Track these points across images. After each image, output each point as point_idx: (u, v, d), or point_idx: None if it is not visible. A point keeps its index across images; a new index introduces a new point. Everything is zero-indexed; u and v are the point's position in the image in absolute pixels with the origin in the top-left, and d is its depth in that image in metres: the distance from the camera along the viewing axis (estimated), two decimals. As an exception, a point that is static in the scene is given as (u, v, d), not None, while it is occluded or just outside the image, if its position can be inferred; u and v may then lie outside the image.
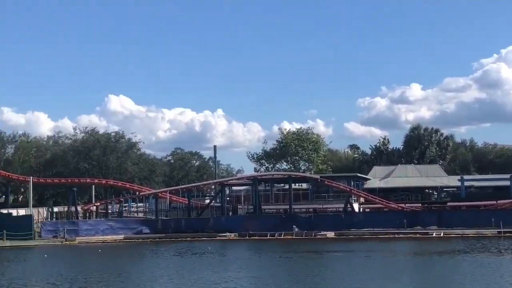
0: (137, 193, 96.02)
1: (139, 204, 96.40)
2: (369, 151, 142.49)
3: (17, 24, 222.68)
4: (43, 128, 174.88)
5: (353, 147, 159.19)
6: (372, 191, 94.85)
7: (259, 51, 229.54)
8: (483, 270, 43.55)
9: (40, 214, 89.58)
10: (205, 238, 79.43)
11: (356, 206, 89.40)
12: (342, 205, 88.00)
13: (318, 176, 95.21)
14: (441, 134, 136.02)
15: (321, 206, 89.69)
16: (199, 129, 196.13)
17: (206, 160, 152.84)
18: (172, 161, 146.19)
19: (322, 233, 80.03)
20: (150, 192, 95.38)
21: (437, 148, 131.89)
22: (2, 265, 54.23)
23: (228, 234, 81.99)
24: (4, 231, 75.36)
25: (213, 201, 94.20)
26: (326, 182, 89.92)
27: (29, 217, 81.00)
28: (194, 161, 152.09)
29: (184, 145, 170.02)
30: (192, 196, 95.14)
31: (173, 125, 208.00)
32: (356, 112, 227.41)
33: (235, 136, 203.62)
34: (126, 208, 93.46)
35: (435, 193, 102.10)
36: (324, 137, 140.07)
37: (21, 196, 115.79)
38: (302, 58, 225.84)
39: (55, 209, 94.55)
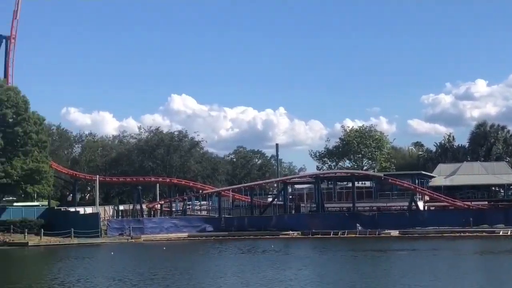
0: (200, 191, 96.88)
1: (202, 202, 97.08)
2: (433, 149, 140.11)
3: (83, 25, 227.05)
4: (109, 128, 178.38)
5: (417, 144, 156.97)
6: (437, 189, 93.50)
7: (321, 48, 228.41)
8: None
9: (106, 212, 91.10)
10: (268, 236, 79.62)
11: (420, 205, 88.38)
12: (406, 204, 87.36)
13: (381, 174, 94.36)
14: (508, 131, 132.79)
15: (385, 205, 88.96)
16: (261, 127, 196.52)
17: (268, 158, 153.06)
18: (234, 159, 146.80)
19: (386, 231, 79.38)
20: (213, 190, 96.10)
21: (504, 145, 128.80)
22: (70, 263, 55.35)
23: (291, 232, 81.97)
24: (72, 229, 76.93)
25: (275, 200, 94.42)
26: (389, 180, 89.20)
27: (95, 215, 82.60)
28: (256, 160, 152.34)
29: (246, 143, 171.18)
30: (255, 194, 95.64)
31: (235, 123, 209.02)
32: (420, 109, 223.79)
33: (297, 134, 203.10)
34: (190, 206, 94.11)
35: (502, 191, 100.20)
36: (387, 134, 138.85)
37: (88, 195, 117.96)
38: (365, 54, 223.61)
39: (121, 207, 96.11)
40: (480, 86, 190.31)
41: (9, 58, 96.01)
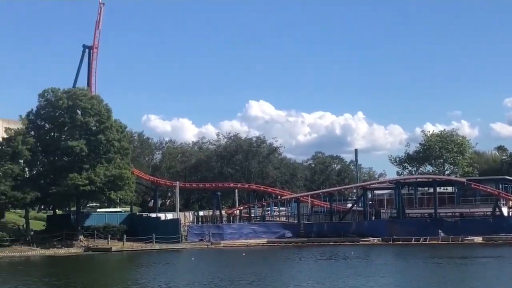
0: (279, 197, 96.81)
1: (281, 208, 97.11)
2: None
3: (163, 34, 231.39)
4: (188, 134, 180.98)
5: (501, 148, 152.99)
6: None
7: (399, 50, 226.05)
8: None
9: (186, 218, 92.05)
10: (347, 243, 79.04)
11: (505, 210, 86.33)
12: (490, 209, 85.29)
13: (464, 179, 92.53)
14: None
15: (467, 210, 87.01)
16: (339, 132, 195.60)
17: (347, 163, 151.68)
18: (313, 165, 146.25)
19: (469, 238, 77.96)
20: (291, 196, 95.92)
21: None
22: (153, 268, 56.17)
23: (371, 238, 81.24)
24: (153, 234, 78.16)
25: (355, 205, 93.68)
26: (472, 186, 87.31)
27: (176, 221, 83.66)
28: (335, 165, 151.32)
29: (325, 148, 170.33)
30: (334, 200, 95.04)
31: (313, 129, 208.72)
32: (503, 112, 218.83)
33: (376, 139, 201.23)
34: (269, 212, 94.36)
35: None
36: (470, 138, 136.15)
37: (168, 201, 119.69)
38: (445, 56, 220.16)
39: (200, 213, 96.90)
40: None
41: (92, 67, 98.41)
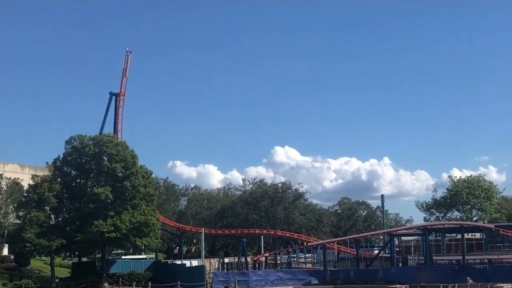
0: (305, 243, 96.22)
1: (307, 255, 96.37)
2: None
3: (188, 82, 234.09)
4: (213, 180, 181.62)
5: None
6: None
7: (424, 95, 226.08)
8: None
9: (211, 264, 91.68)
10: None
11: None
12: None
13: (492, 225, 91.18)
14: None
15: (496, 257, 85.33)
16: (365, 178, 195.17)
17: (374, 209, 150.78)
18: (339, 210, 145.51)
19: (498, 285, 76.16)
20: (317, 242, 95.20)
21: None
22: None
23: (398, 285, 79.63)
24: (178, 281, 77.54)
25: (382, 252, 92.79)
26: (501, 232, 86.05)
27: (201, 268, 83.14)
28: (361, 211, 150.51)
29: (351, 194, 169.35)
30: (361, 246, 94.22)
31: (339, 174, 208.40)
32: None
33: (403, 185, 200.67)
34: (294, 258, 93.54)
35: None
36: (497, 184, 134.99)
37: (194, 247, 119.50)
38: (471, 100, 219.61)
39: (226, 260, 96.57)
40: None
41: (119, 114, 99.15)
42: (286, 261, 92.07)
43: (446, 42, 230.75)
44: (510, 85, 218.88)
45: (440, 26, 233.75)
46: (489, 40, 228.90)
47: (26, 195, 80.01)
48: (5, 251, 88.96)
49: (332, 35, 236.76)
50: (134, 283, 78.41)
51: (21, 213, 79.09)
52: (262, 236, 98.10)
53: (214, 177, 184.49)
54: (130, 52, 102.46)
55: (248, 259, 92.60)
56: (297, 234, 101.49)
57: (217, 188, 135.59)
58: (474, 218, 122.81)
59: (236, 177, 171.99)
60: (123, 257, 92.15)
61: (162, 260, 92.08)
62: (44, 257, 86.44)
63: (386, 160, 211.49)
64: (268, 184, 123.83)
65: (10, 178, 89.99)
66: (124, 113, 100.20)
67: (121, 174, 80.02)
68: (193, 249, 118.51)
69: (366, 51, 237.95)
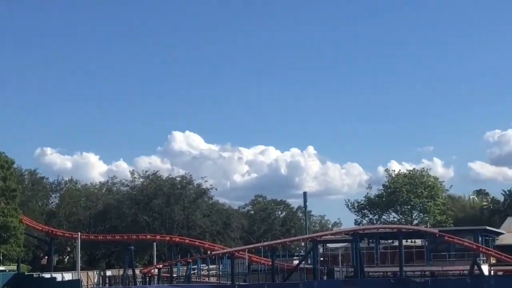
0: (209, 252, 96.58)
1: (211, 266, 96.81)
2: (501, 198, 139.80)
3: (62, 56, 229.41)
4: (94, 173, 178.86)
5: (481, 192, 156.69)
6: (506, 248, 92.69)
7: (358, 72, 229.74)
8: None
9: (89, 278, 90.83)
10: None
11: (485, 268, 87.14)
12: (467, 267, 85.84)
13: (436, 230, 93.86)
14: None
15: (440, 268, 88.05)
16: (285, 171, 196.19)
17: (294, 210, 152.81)
18: (251, 212, 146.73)
19: (442, 302, 78.58)
20: (224, 250, 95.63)
21: None
22: None
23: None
24: (46, 300, 76.96)
25: (303, 262, 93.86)
26: (446, 238, 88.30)
27: (76, 283, 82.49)
28: (279, 212, 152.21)
29: (267, 191, 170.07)
30: (277, 255, 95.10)
31: (253, 167, 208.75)
32: (484, 148, 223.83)
33: (330, 180, 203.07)
34: (195, 270, 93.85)
35: None
36: (443, 180, 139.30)
37: (67, 257, 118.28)
38: (413, 83, 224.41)
39: (108, 273, 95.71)
40: None
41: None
42: (184, 273, 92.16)
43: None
44: (457, 65, 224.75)
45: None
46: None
47: None
48: None
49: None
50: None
51: None
52: (155, 243, 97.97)
53: (95, 169, 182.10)
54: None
55: (137, 271, 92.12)
56: (199, 241, 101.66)
57: (99, 183, 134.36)
58: (415, 222, 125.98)
59: (123, 168, 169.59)
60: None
61: (26, 273, 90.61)
62: None
63: (311, 149, 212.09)
64: (164, 178, 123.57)
65: None
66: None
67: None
68: (66, 259, 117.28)
69: (270, 30, 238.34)
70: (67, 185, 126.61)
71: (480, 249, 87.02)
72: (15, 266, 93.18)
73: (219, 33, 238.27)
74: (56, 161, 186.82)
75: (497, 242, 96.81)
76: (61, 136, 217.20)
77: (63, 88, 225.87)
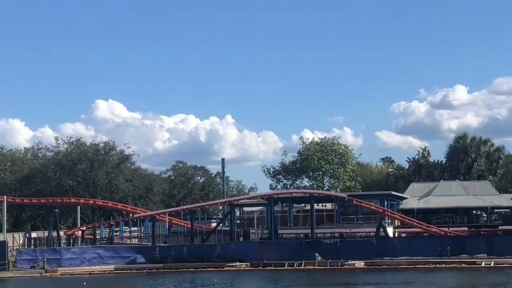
0: (131, 215, 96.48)
1: (133, 228, 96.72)
2: (405, 165, 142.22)
3: None
4: (20, 138, 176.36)
5: (387, 160, 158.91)
6: (409, 212, 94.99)
7: (275, 46, 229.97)
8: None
9: (15, 240, 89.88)
10: (211, 269, 79.30)
11: (390, 230, 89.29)
12: (374, 229, 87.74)
13: (345, 195, 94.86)
14: (491, 145, 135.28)
15: (348, 230, 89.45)
16: (204, 139, 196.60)
17: (213, 176, 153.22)
18: (172, 177, 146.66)
19: (350, 262, 79.42)
20: (146, 214, 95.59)
21: (487, 162, 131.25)
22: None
23: (238, 263, 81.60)
24: (-28, 260, 76.09)
25: (220, 225, 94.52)
26: (354, 202, 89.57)
27: (2, 244, 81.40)
28: (199, 177, 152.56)
29: (187, 158, 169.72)
30: (196, 218, 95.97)
31: (173, 134, 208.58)
32: (390, 119, 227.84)
33: (247, 148, 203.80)
34: (118, 233, 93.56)
35: (485, 215, 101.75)
36: (353, 148, 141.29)
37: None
38: (326, 56, 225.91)
39: (33, 235, 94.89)
40: (460, 93, 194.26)
41: None
42: (107, 236, 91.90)
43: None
44: (366, 42, 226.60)
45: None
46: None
47: None
48: None
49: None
50: None
51: None
52: (79, 206, 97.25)
53: (21, 135, 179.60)
54: None
55: (61, 233, 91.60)
56: (121, 204, 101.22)
57: (24, 148, 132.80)
58: (326, 187, 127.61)
59: (48, 135, 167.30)
60: None
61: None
62: None
63: (229, 118, 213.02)
64: (88, 144, 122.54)
65: None
66: None
67: None
68: None
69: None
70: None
71: (386, 212, 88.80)
72: None
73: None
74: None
75: (401, 206, 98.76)
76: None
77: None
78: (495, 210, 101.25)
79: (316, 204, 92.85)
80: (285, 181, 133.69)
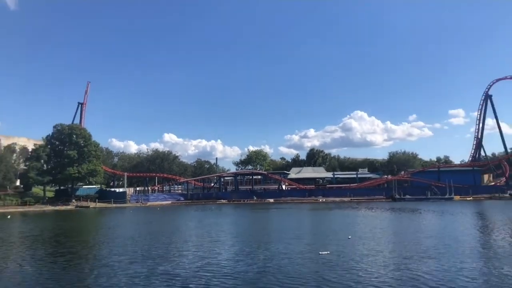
0: (177, 180, 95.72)
1: (178, 186, 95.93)
2: (290, 160, 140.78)
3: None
4: (131, 150, 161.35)
5: (282, 158, 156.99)
6: (292, 180, 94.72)
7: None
8: (343, 216, 44.89)
9: (130, 191, 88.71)
10: (211, 203, 78.77)
11: (284, 187, 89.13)
12: (277, 186, 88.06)
13: (266, 173, 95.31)
14: (324, 153, 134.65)
15: (268, 187, 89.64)
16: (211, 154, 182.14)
17: (213, 164, 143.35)
18: (195, 165, 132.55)
19: (267, 200, 79.96)
20: (184, 180, 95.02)
21: (323, 159, 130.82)
22: (113, 215, 54.35)
23: (222, 200, 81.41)
24: (112, 199, 75.17)
25: (215, 185, 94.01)
26: (269, 175, 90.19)
27: (124, 193, 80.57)
28: (207, 166, 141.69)
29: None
30: (205, 181, 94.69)
31: (197, 149, 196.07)
32: (285, 141, 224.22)
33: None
34: (172, 188, 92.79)
35: (321, 181, 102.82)
36: (271, 155, 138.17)
37: (121, 182, 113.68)
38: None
39: (138, 188, 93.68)
40: (311, 132, 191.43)
41: (83, 112, 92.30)
42: (168, 189, 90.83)
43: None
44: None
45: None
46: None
47: (30, 154, 73.76)
48: (18, 183, 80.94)
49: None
50: (89, 200, 74.88)
51: (27, 163, 72.73)
52: (156, 178, 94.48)
53: (132, 147, 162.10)
54: (89, 82, 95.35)
55: (149, 188, 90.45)
56: (173, 176, 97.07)
57: (134, 153, 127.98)
58: (258, 169, 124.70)
59: (143, 148, 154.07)
60: (83, 186, 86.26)
61: (104, 188, 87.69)
62: (40, 186, 79.63)
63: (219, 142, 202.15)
64: (160, 151, 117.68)
65: (22, 145, 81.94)
66: (86, 111, 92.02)
67: (82, 144, 75.85)
68: (120, 183, 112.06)
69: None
70: (121, 154, 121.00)
71: (282, 179, 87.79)
72: (99, 186, 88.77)
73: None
74: (115, 144, 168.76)
75: (289, 177, 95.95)
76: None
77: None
78: (326, 179, 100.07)
79: (255, 176, 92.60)
80: (241, 166, 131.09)
